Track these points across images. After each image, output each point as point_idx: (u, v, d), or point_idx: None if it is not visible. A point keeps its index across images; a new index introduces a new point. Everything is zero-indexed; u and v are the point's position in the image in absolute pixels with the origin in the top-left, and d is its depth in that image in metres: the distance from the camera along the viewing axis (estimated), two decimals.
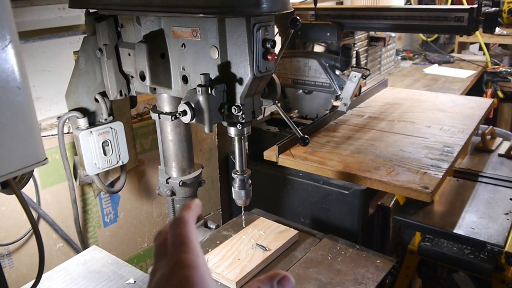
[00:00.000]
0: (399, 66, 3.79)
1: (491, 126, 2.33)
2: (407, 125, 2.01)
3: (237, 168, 1.25)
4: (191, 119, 1.10)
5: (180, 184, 1.46)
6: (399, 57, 3.94)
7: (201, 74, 1.07)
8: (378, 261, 1.37)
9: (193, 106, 1.09)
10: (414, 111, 2.21)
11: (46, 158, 0.62)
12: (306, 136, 1.43)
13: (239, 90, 1.10)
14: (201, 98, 1.08)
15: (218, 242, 1.46)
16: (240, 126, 1.16)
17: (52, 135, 1.48)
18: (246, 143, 2.12)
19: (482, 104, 2.30)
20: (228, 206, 2.28)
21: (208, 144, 2.08)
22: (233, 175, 1.26)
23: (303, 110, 2.13)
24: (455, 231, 1.61)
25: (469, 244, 1.63)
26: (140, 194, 1.83)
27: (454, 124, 2.02)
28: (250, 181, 1.27)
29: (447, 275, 1.94)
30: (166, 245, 0.54)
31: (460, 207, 1.75)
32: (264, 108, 2.31)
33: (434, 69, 3.67)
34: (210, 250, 1.41)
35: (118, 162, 1.47)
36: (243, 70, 1.06)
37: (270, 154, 1.74)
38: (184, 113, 1.10)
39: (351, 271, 1.33)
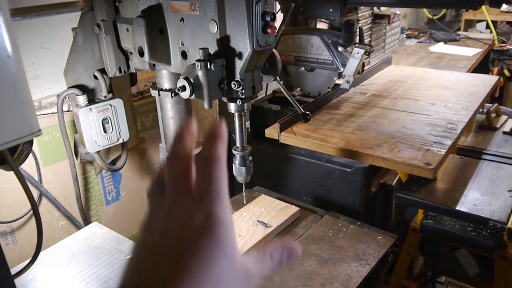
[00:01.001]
0: (404, 44, 3.74)
1: (496, 104, 2.30)
2: (411, 103, 1.99)
3: (238, 144, 1.24)
4: (190, 95, 1.09)
5: None
6: (404, 35, 3.89)
7: (200, 49, 1.06)
8: (379, 238, 1.37)
9: (192, 81, 1.08)
10: (418, 88, 2.18)
11: (40, 130, 0.61)
12: (307, 112, 1.42)
13: (239, 65, 1.08)
14: (200, 73, 1.06)
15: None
16: (240, 102, 1.15)
17: (52, 113, 1.47)
18: (248, 122, 2.12)
19: (487, 81, 2.27)
20: (230, 184, 2.28)
21: (209, 123, 2.07)
22: (233, 151, 1.25)
23: (306, 88, 2.11)
24: (457, 208, 1.60)
25: (472, 221, 1.62)
26: (142, 172, 1.83)
27: (459, 101, 1.99)
28: (250, 158, 1.27)
29: (449, 252, 1.94)
30: (188, 179, 0.46)
31: (463, 185, 1.74)
32: (267, 85, 2.30)
33: (439, 47, 3.62)
34: None
35: (118, 139, 1.47)
36: (243, 44, 1.05)
37: (271, 131, 1.72)
38: (183, 88, 1.09)
39: (352, 247, 1.33)
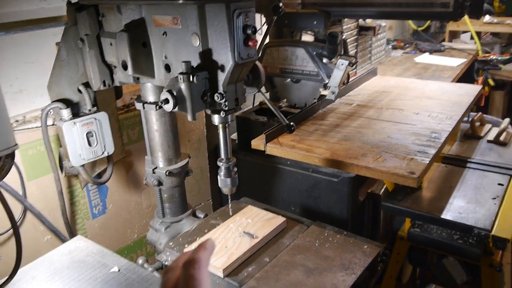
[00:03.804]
0: (390, 55, 3.79)
1: (480, 113, 2.33)
2: (395, 112, 2.01)
3: (222, 156, 1.25)
4: (174, 107, 1.09)
5: (167, 174, 1.45)
6: (390, 47, 3.94)
7: (182, 62, 1.07)
8: (365, 247, 1.37)
9: (175, 94, 1.08)
10: (403, 98, 2.21)
11: (16, 144, 0.61)
12: (291, 123, 1.43)
13: (221, 77, 1.09)
14: (183, 86, 1.07)
15: (206, 230, 1.46)
16: (223, 114, 1.16)
17: (36, 127, 1.47)
18: (235, 133, 2.13)
19: (471, 91, 2.31)
20: (218, 196, 2.28)
21: (196, 135, 2.08)
22: (218, 163, 1.26)
23: (292, 99, 2.13)
24: (442, 216, 1.61)
25: (457, 228, 1.64)
26: (128, 185, 1.83)
27: (443, 110, 2.02)
28: (235, 169, 1.27)
29: (437, 260, 1.95)
30: (174, 284, 0.54)
31: (448, 193, 1.76)
32: (254, 97, 2.31)
33: (424, 58, 3.67)
34: (198, 238, 1.42)
35: (103, 153, 1.46)
36: (225, 57, 1.06)
37: (258, 143, 1.73)
38: (166, 101, 1.09)
39: (338, 257, 1.33)
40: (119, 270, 1.23)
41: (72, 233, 1.63)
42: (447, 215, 1.62)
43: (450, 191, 1.77)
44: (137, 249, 1.94)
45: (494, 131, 2.25)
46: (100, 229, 1.76)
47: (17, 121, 1.46)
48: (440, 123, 1.86)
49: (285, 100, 2.17)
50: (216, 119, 1.18)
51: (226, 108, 1.14)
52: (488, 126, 2.33)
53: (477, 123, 2.28)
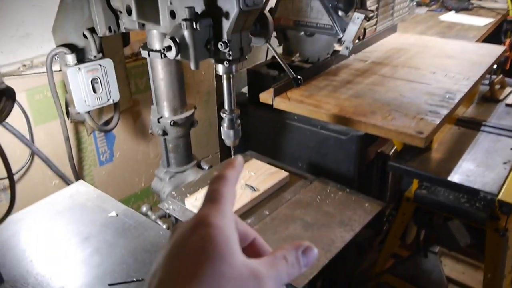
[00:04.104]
0: (414, 12, 3.63)
1: (501, 75, 2.24)
2: (411, 71, 1.95)
3: (226, 107, 1.23)
4: (176, 55, 1.07)
5: (172, 123, 1.45)
6: (414, 3, 3.76)
7: (186, 8, 1.03)
8: (366, 205, 1.37)
9: (178, 41, 1.06)
10: (421, 57, 2.13)
11: (3, 82, 0.61)
12: (298, 76, 1.40)
13: (226, 25, 1.06)
14: (186, 33, 1.05)
15: (209, 182, 1.47)
16: (227, 64, 1.13)
17: (43, 72, 1.46)
18: (246, 87, 2.10)
19: (493, 51, 2.21)
20: (226, 149, 2.28)
21: (206, 86, 2.05)
22: (221, 114, 1.25)
23: (305, 53, 2.07)
24: (449, 178, 1.58)
25: (463, 191, 1.61)
26: (136, 134, 1.84)
27: (461, 71, 1.94)
28: (239, 121, 1.26)
29: (442, 222, 1.94)
30: None
31: (458, 155, 1.72)
32: (267, 50, 2.26)
33: (450, 16, 3.51)
34: (200, 189, 1.43)
35: (108, 100, 1.46)
36: (229, 3, 1.02)
37: (266, 96, 1.71)
38: (169, 48, 1.07)
39: (338, 213, 1.33)
40: (117, 215, 1.25)
41: (79, 179, 1.66)
42: (454, 177, 1.59)
43: (460, 154, 1.73)
44: (144, 198, 1.97)
45: None
46: (107, 177, 1.79)
47: (24, 65, 1.46)
48: (457, 84, 1.80)
49: (298, 54, 2.11)
50: (220, 69, 1.16)
51: (230, 58, 1.11)
52: (508, 89, 2.24)
53: (497, 86, 2.20)
